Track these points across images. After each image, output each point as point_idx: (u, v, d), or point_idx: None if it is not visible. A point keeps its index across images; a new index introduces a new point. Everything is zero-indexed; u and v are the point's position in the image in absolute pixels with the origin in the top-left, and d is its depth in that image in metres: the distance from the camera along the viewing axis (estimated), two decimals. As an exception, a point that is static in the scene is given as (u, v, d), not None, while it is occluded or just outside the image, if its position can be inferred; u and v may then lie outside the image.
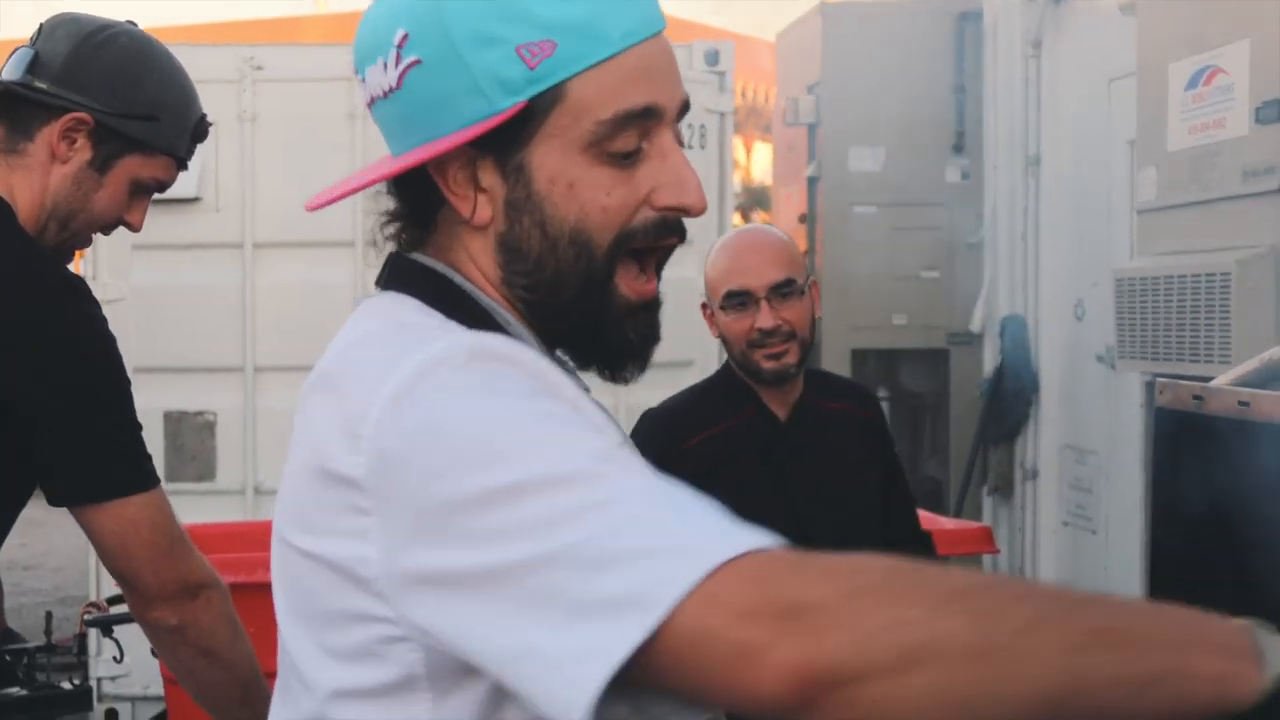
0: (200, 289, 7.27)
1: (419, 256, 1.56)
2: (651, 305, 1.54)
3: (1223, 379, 2.28)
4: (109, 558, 2.57)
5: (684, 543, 1.19)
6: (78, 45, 2.67)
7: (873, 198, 8.75)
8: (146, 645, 4.52)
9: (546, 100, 1.43)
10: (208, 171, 7.26)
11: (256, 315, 7.24)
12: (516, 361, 1.38)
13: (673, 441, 3.46)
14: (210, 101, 7.41)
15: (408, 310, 1.51)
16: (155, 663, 4.45)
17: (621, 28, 1.44)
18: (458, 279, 1.53)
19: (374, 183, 1.54)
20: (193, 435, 7.31)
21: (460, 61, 1.43)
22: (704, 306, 3.57)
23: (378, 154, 7.08)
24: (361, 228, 7.14)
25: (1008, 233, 8.25)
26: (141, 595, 2.60)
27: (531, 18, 1.42)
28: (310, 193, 6.76)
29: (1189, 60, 4.83)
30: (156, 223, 7.24)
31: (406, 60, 1.46)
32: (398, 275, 1.56)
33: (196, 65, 7.69)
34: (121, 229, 2.78)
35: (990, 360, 8.35)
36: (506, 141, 1.45)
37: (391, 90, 1.48)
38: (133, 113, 2.68)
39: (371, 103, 1.53)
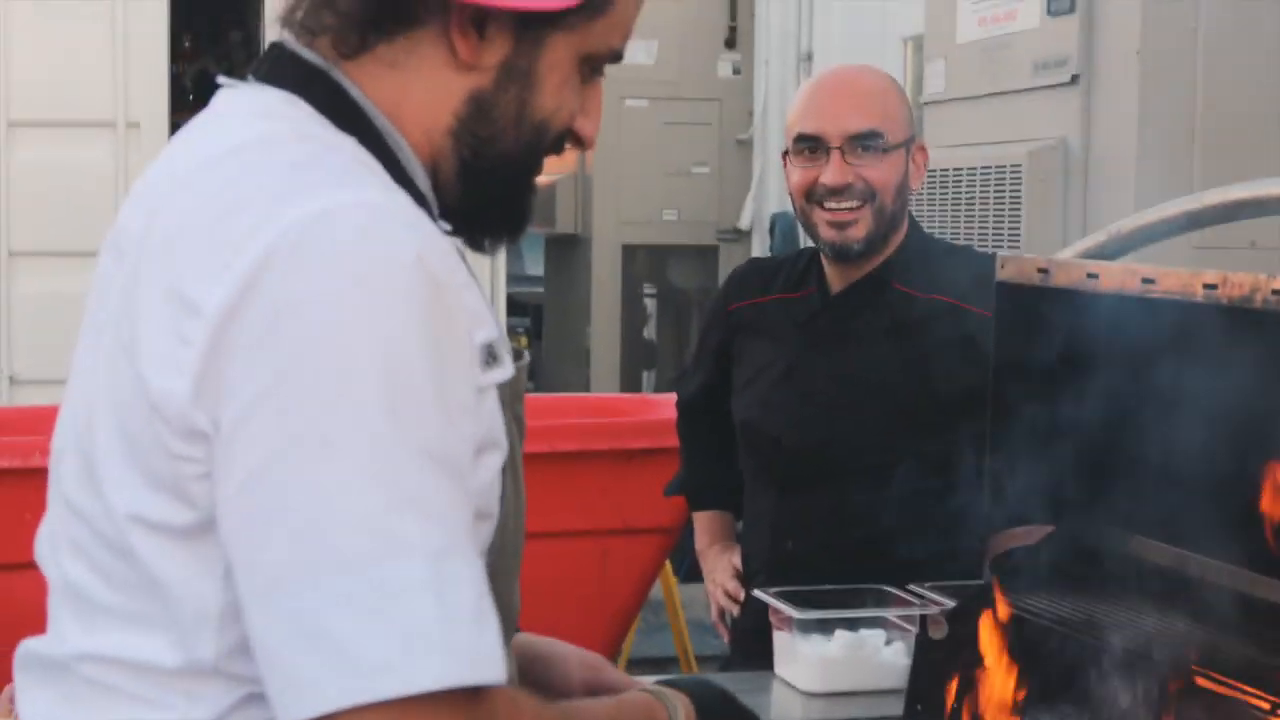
0: (-52, 169, 6.94)
1: (309, 54, 1.49)
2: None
3: (1069, 251, 2.28)
4: None
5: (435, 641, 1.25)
6: None
7: (644, 91, 8.70)
8: None
9: (597, 6, 1.49)
10: (-45, 45, 6.91)
11: (10, 198, 6.93)
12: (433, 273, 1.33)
13: (722, 302, 3.14)
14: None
15: (302, 120, 1.45)
16: None
17: None
18: (356, 93, 1.47)
19: None
20: (-59, 323, 6.99)
21: None
22: (784, 156, 2.95)
23: (139, 32, 6.78)
24: (123, 108, 6.87)
25: (778, 129, 8.28)
26: None
27: None
28: (67, 69, 6.44)
29: (979, -47, 4.87)
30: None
31: None
32: (279, 71, 1.49)
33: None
34: None
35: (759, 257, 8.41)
36: (540, 16, 1.47)
37: None
38: None
39: None
